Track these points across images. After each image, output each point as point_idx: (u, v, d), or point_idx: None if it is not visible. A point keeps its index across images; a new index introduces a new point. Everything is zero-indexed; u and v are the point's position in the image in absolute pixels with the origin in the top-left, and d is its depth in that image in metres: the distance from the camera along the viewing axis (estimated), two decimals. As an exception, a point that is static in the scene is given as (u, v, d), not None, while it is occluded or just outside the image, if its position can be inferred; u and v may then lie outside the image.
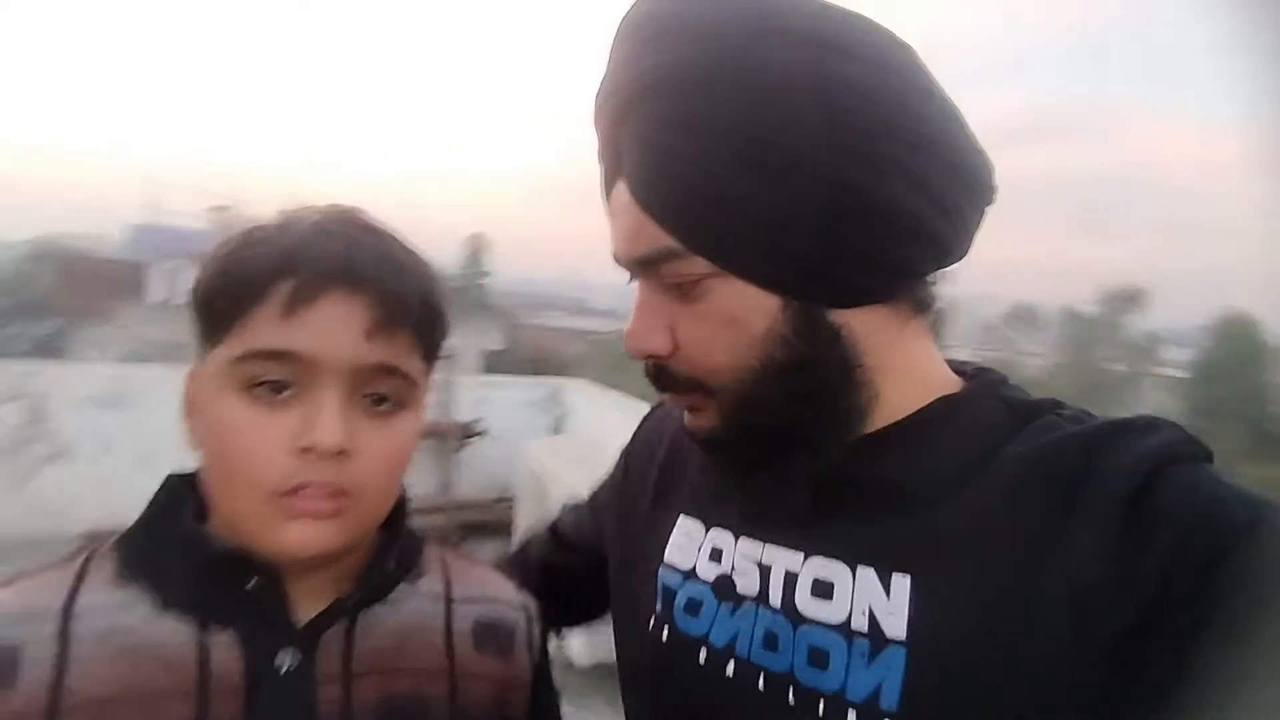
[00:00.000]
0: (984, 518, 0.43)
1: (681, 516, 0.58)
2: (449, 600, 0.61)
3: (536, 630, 0.65)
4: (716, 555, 0.54)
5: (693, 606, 0.54)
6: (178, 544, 0.53)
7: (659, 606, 0.56)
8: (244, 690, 0.51)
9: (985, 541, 0.43)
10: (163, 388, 4.63)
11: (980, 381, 0.50)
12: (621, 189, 0.48)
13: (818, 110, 0.42)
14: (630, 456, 0.69)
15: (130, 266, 24.68)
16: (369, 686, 0.55)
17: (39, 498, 4.17)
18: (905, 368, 0.49)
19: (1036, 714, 0.41)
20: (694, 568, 0.55)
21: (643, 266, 0.49)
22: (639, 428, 0.71)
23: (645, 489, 0.63)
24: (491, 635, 0.61)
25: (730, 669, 0.50)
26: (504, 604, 0.64)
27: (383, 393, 0.52)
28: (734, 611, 0.52)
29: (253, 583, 0.52)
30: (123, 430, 4.38)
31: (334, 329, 0.49)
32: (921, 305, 0.49)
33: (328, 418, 0.49)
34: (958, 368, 0.53)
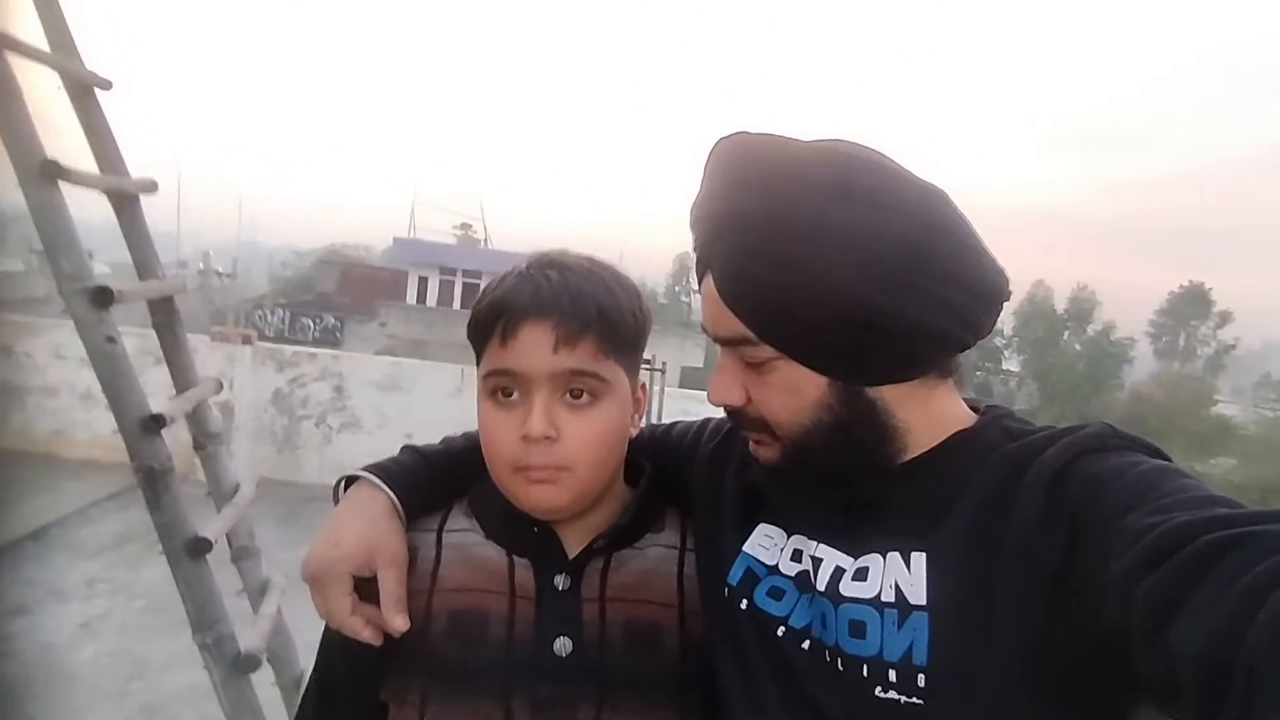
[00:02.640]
0: (970, 502, 0.56)
1: (762, 524, 0.69)
2: (683, 550, 0.77)
3: None
4: (797, 556, 0.65)
5: (775, 593, 0.65)
6: (493, 498, 0.73)
7: (735, 581, 0.67)
8: (535, 599, 0.71)
9: (972, 520, 0.55)
10: (424, 378, 5.58)
11: (988, 417, 0.63)
12: (709, 283, 0.61)
13: (858, 253, 0.54)
14: (724, 445, 0.78)
15: (393, 273, 28.81)
16: (619, 609, 0.72)
17: (334, 457, 5.23)
18: (931, 416, 0.61)
19: (1019, 642, 0.51)
20: (777, 564, 0.66)
21: (724, 343, 0.62)
22: (729, 431, 0.78)
23: (734, 486, 0.73)
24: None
25: (806, 644, 0.61)
26: None
27: (578, 389, 0.67)
28: (811, 601, 0.62)
29: (537, 528, 0.72)
30: (395, 409, 5.34)
31: (530, 350, 0.65)
32: (946, 371, 0.61)
33: (535, 414, 0.65)
34: (974, 405, 0.65)
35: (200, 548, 1.68)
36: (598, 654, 0.70)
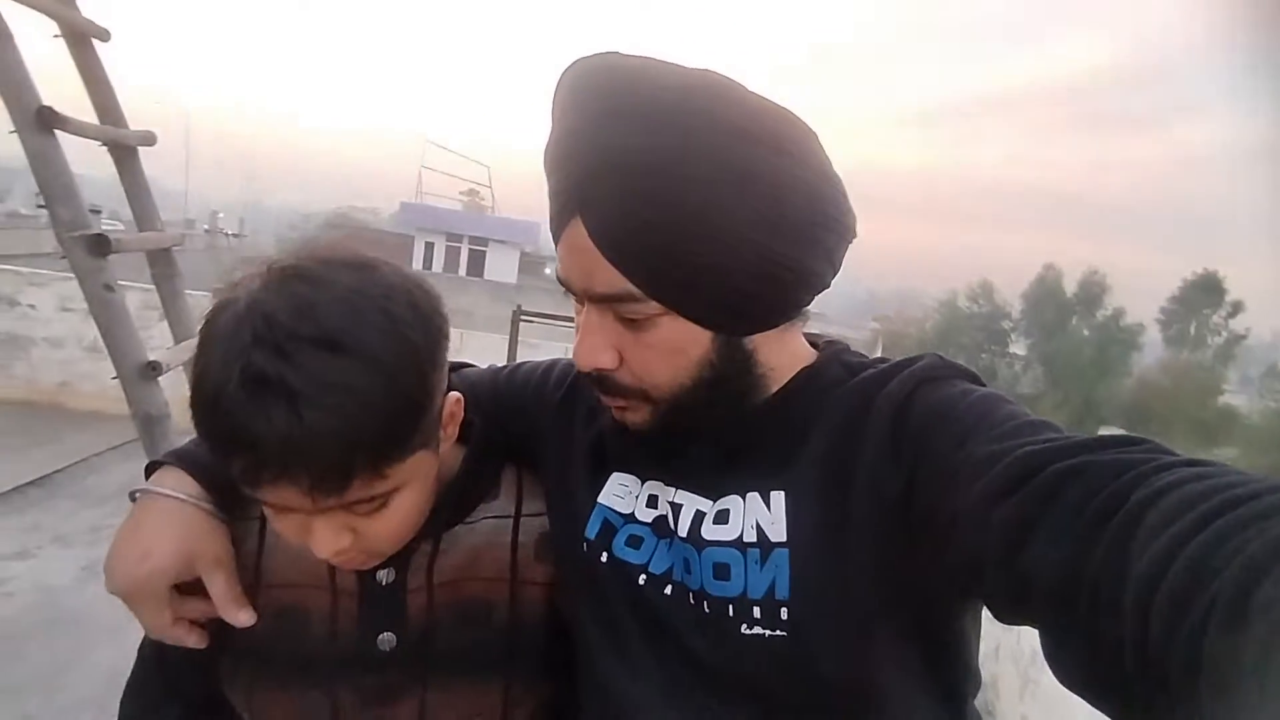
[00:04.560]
0: (822, 438, 0.57)
1: (615, 473, 0.67)
2: (518, 517, 0.72)
3: None
4: (653, 502, 0.64)
5: (634, 541, 0.63)
6: None
7: (593, 535, 0.65)
8: (359, 595, 0.67)
9: (825, 455, 0.57)
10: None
11: (827, 352, 0.64)
12: (578, 231, 0.53)
13: (765, 200, 0.51)
14: (571, 395, 0.74)
15: (399, 238, 28.75)
16: (447, 593, 0.67)
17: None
18: (786, 356, 0.61)
19: (872, 569, 0.53)
20: (633, 512, 0.64)
21: (598, 300, 0.56)
22: (575, 377, 0.74)
23: (583, 437, 0.70)
24: (550, 545, 0.71)
25: (668, 590, 0.60)
26: None
27: (362, 510, 0.56)
28: (670, 546, 0.61)
29: None
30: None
31: (287, 499, 0.53)
32: (800, 314, 0.60)
33: (317, 539, 0.56)
34: (813, 341, 0.65)
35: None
36: (423, 644, 0.67)
